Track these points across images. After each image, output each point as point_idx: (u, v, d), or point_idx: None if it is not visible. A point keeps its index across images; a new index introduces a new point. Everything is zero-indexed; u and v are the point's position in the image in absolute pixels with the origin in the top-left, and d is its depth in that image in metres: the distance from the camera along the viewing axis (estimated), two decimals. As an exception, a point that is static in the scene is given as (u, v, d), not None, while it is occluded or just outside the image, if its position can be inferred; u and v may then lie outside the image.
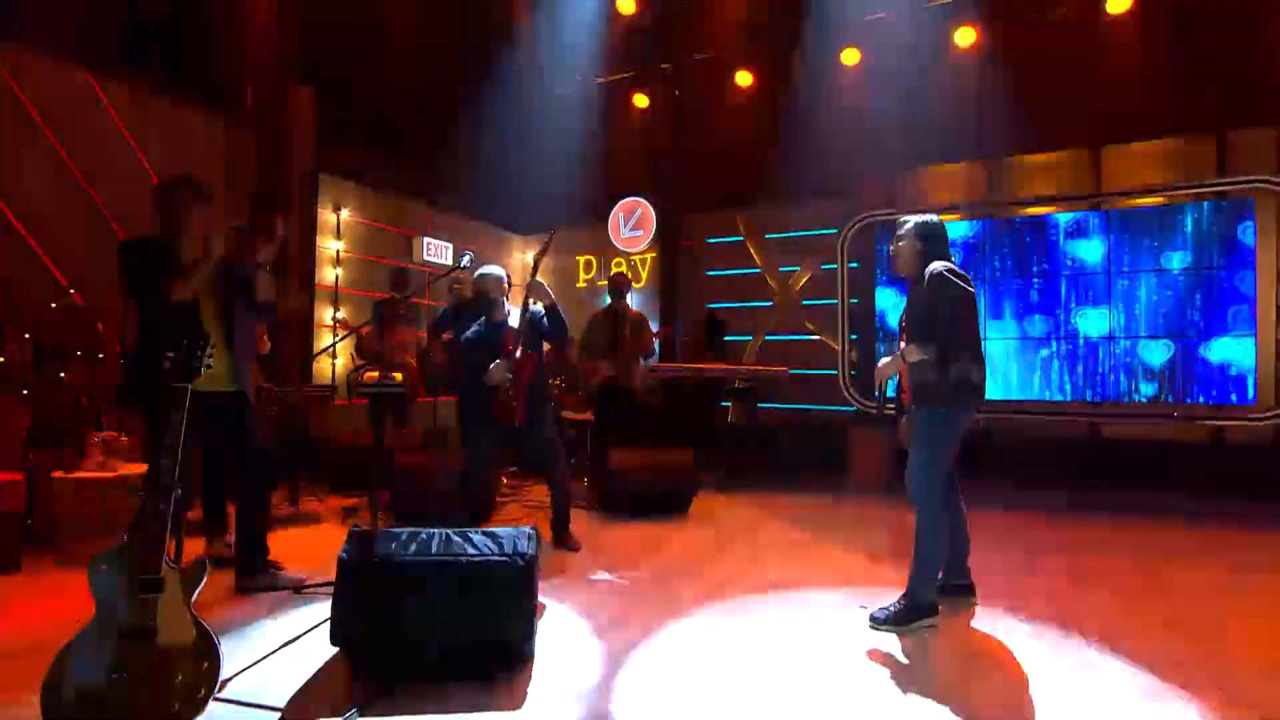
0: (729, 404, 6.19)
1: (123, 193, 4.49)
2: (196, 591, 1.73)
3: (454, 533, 2.29)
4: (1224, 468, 4.97)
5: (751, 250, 7.32)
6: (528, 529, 2.33)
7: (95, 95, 4.40)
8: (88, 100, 4.38)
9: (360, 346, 5.12)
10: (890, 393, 2.78)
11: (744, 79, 6.94)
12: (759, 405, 6.06)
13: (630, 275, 8.00)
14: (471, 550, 2.22)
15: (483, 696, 1.96)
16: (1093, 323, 5.45)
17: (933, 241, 2.61)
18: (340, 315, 6.11)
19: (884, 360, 2.61)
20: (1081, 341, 5.47)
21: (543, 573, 2.57)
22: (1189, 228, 5.19)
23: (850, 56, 6.39)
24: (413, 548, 2.21)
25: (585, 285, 8.37)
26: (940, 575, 2.59)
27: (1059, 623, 2.50)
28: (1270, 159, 5.14)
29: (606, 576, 3.04)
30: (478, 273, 3.61)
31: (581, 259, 8.49)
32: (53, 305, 3.91)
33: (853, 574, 3.09)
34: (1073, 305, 5.54)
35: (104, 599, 1.64)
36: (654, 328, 6.59)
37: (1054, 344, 5.57)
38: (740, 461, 5.80)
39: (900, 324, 2.68)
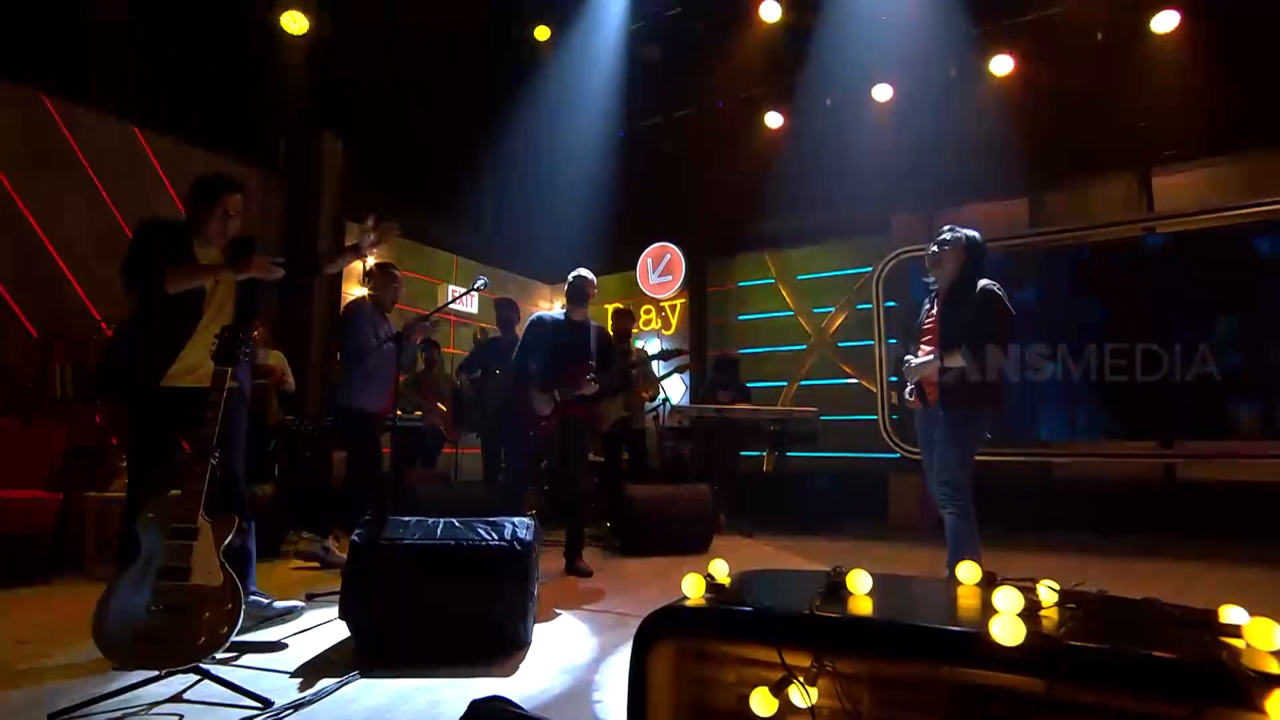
0: (763, 452, 6.46)
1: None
2: (226, 541, 2.14)
3: (459, 521, 2.66)
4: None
5: (783, 292, 7.74)
6: (527, 519, 2.68)
7: (139, 145, 5.27)
8: (131, 149, 5.23)
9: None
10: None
11: (773, 119, 7.57)
12: (788, 454, 6.27)
13: (657, 321, 8.50)
14: (472, 536, 2.58)
15: (476, 666, 2.27)
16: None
17: (979, 257, 2.96)
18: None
19: (919, 360, 2.92)
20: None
21: (550, 588, 2.87)
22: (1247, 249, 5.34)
23: (882, 92, 6.94)
24: (418, 533, 2.58)
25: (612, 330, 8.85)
26: None
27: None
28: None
29: (609, 596, 3.30)
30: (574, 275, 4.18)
31: (610, 307, 9.04)
32: (92, 338, 4.58)
33: None
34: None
35: (148, 543, 2.07)
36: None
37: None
38: (769, 506, 6.02)
39: (921, 326, 3.04)
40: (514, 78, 8.00)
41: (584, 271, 4.14)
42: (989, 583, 1.20)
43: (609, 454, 5.54)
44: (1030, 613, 0.99)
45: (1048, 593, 1.08)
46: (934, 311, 3.01)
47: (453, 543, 2.54)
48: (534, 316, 4.20)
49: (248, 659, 2.37)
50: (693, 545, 4.55)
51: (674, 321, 8.49)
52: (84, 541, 3.73)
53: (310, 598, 3.17)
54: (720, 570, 1.34)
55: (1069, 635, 0.93)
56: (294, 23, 5.77)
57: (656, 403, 5.87)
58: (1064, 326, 5.89)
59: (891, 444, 6.15)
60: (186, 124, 5.57)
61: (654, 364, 5.69)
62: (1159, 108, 6.00)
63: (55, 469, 3.91)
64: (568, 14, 7.69)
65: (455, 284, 7.95)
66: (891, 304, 6.58)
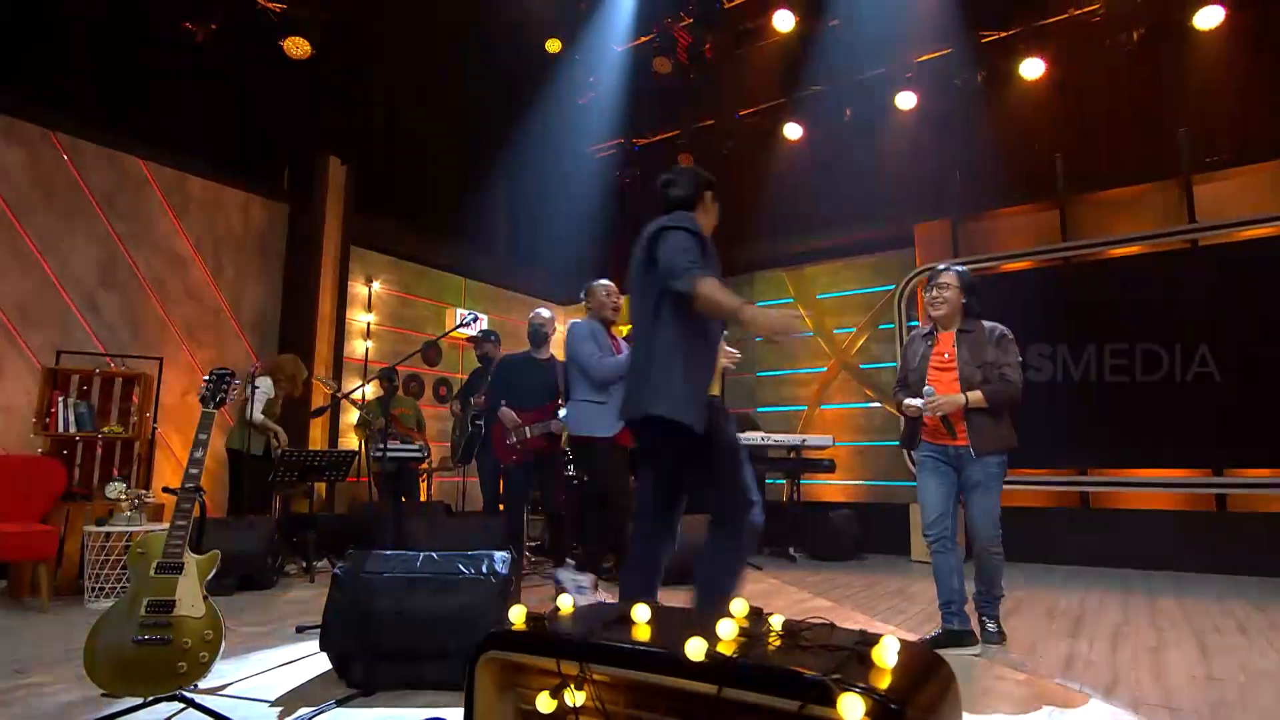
0: (781, 480, 6.60)
1: (161, 265, 5.72)
2: (209, 576, 2.39)
3: (439, 554, 2.88)
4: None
5: (802, 312, 7.88)
6: (507, 553, 2.88)
7: (143, 176, 5.69)
8: (136, 181, 5.65)
9: (361, 420, 5.94)
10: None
11: (792, 131, 7.77)
12: (800, 481, 6.40)
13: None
14: (450, 570, 2.79)
15: (451, 697, 2.47)
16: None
17: (973, 294, 3.25)
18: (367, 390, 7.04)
19: (945, 398, 3.08)
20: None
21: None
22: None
23: (905, 100, 7.09)
24: (399, 566, 2.80)
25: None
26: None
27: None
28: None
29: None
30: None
31: (625, 329, 9.26)
32: (96, 372, 4.96)
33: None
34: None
35: (137, 574, 2.32)
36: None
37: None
38: (787, 537, 6.13)
39: (919, 365, 3.25)
40: (524, 95, 8.36)
41: (543, 313, 4.62)
42: (755, 615, 1.53)
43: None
44: (726, 637, 1.41)
45: (776, 620, 1.53)
46: (937, 351, 3.22)
47: (430, 576, 2.76)
48: (502, 357, 4.73)
49: (232, 688, 2.61)
50: (689, 576, 4.68)
51: (689, 343, 8.66)
52: (82, 573, 4.04)
53: (300, 630, 3.41)
54: (565, 603, 1.75)
55: (737, 653, 1.34)
56: (296, 47, 6.16)
57: None
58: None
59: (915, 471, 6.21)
60: (190, 153, 6.00)
61: None
62: (1201, 110, 6.05)
63: (56, 502, 4.25)
64: (578, 28, 8.04)
65: (464, 308, 8.26)
66: (915, 324, 6.67)
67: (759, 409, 7.51)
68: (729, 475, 2.28)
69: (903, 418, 3.32)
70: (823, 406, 7.53)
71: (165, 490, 2.88)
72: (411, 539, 4.74)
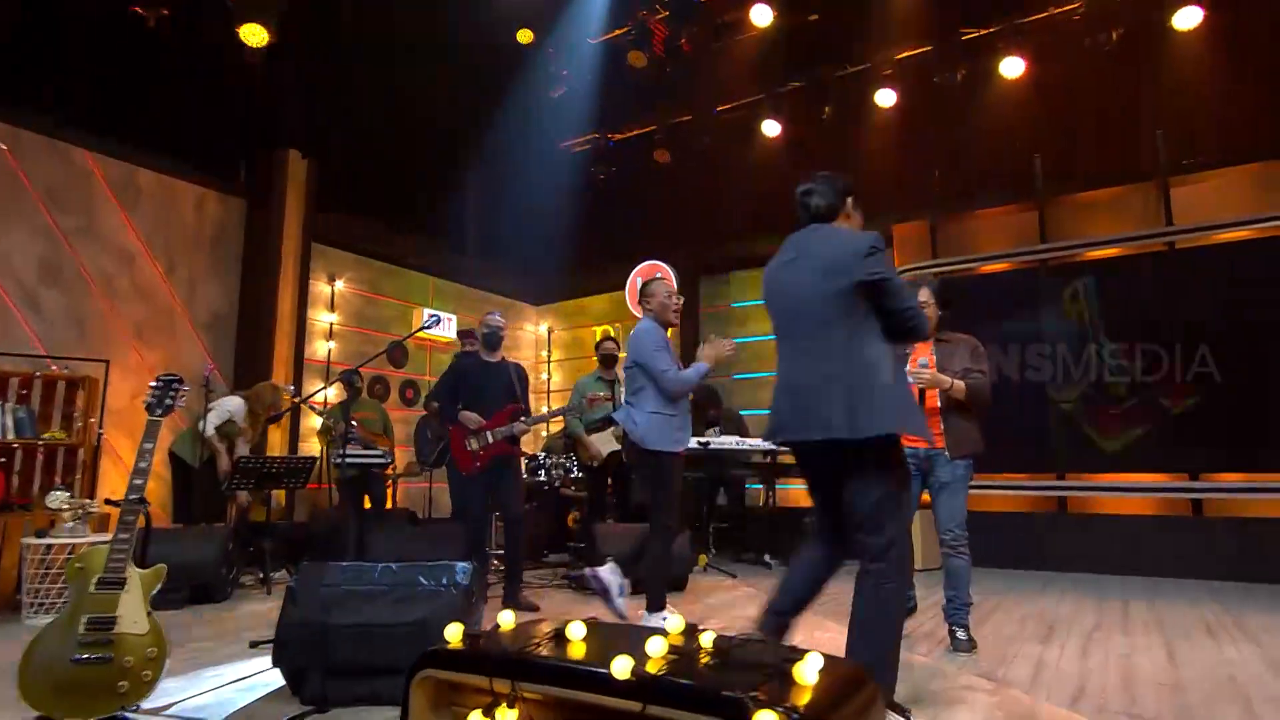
0: (758, 485, 6.65)
1: (108, 261, 5.61)
2: (154, 591, 2.35)
3: (400, 566, 2.87)
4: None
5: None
6: (468, 564, 2.88)
7: (88, 169, 5.58)
8: (80, 171, 5.54)
9: (324, 426, 5.88)
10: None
11: (770, 128, 7.83)
12: (776, 486, 6.45)
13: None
14: (409, 581, 2.78)
15: (408, 716, 2.45)
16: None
17: (947, 306, 3.43)
18: (330, 394, 6.97)
19: (931, 373, 3.21)
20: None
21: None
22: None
23: (885, 97, 7.17)
24: (355, 578, 2.79)
25: (602, 359, 9.06)
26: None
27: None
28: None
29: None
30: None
31: (597, 329, 9.29)
32: (37, 375, 4.85)
33: (825, 644, 3.39)
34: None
35: (77, 590, 2.28)
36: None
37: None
38: (766, 544, 6.18)
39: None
40: (494, 89, 8.33)
41: (498, 315, 4.57)
42: (689, 632, 1.58)
43: (593, 488, 5.77)
44: (655, 654, 1.47)
45: (707, 637, 1.58)
46: (916, 359, 3.32)
47: (389, 588, 2.74)
48: (453, 362, 4.67)
49: (178, 707, 2.57)
50: (667, 586, 4.70)
51: (665, 344, 8.68)
52: (19, 587, 3.95)
53: (254, 645, 3.37)
54: (505, 620, 1.82)
55: (663, 671, 1.40)
56: (254, 36, 6.06)
57: None
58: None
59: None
60: (140, 145, 5.89)
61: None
62: (1178, 111, 6.19)
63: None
64: (550, 19, 8.02)
65: (432, 308, 8.21)
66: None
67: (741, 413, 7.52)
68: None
69: None
70: (800, 410, 7.59)
71: (107, 502, 2.83)
72: (374, 548, 4.72)
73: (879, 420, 2.13)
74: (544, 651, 1.57)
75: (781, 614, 2.43)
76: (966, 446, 3.26)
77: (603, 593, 3.55)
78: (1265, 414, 5.34)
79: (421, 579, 2.82)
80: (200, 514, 5.05)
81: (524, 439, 4.67)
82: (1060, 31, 6.52)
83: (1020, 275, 6.48)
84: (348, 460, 4.71)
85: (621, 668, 1.38)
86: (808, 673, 1.36)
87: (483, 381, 4.48)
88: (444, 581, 2.80)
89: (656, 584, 3.62)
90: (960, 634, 3.26)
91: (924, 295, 3.34)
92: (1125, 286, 6.00)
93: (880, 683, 1.84)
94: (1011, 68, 6.60)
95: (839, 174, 2.53)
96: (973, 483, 5.96)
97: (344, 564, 2.87)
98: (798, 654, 1.45)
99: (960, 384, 3.22)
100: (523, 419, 4.46)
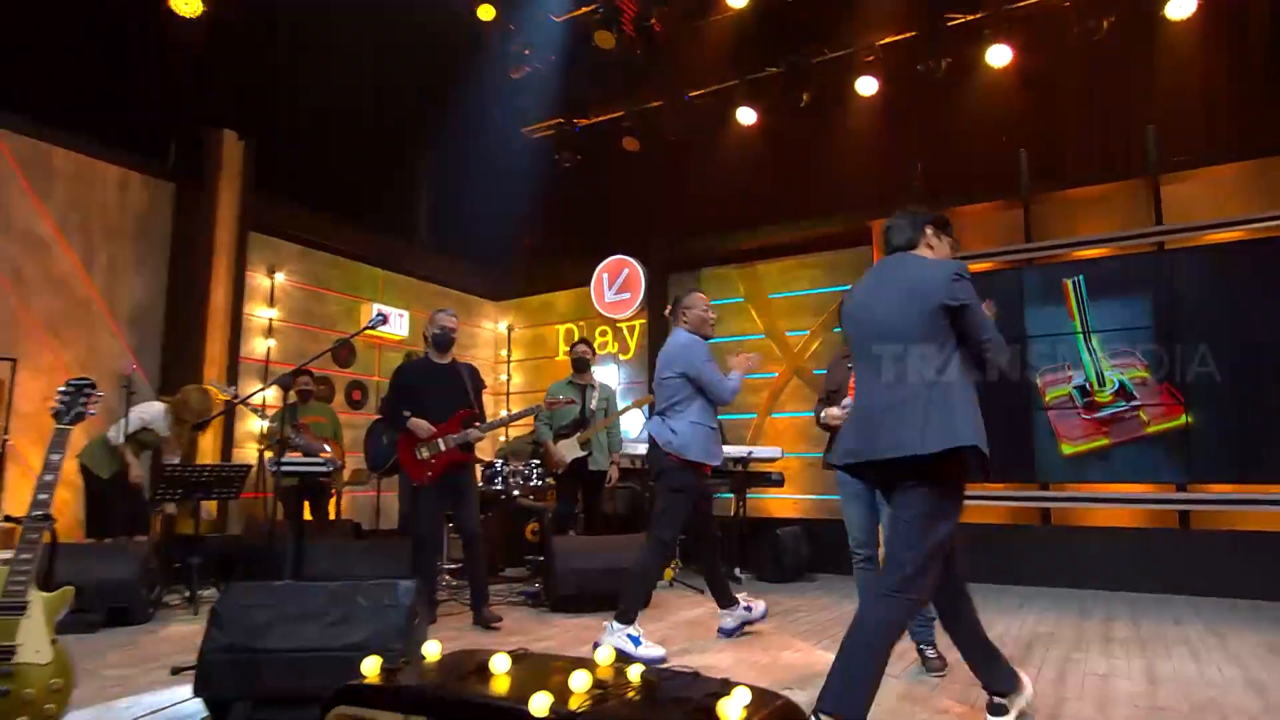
0: (728, 495, 6.67)
1: (17, 250, 5.43)
2: (59, 615, 2.27)
3: (338, 585, 2.81)
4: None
5: (753, 313, 7.98)
6: (411, 582, 2.83)
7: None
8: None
9: (270, 430, 5.77)
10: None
11: (745, 116, 7.85)
12: (746, 495, 6.48)
13: (614, 345, 8.70)
14: (347, 601, 2.72)
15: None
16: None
17: None
18: (269, 393, 6.83)
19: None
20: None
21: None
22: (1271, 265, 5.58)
23: (866, 85, 7.22)
24: (287, 598, 2.72)
25: (566, 359, 9.02)
26: None
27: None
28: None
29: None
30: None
31: (561, 328, 9.25)
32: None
33: (793, 665, 3.45)
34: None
35: (-31, 616, 2.19)
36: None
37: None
38: (725, 558, 6.18)
39: (845, 386, 3.44)
40: (451, 68, 8.24)
41: (446, 321, 4.48)
42: (620, 665, 1.62)
43: (561, 498, 5.77)
44: (579, 690, 1.50)
45: (634, 671, 1.63)
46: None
47: (324, 609, 2.69)
48: (401, 364, 4.67)
49: (87, 744, 2.49)
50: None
51: (632, 345, 8.68)
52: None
53: (176, 671, 3.27)
54: (431, 650, 1.85)
55: (583, 708, 1.44)
56: (186, 5, 5.91)
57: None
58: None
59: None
60: (55, 122, 5.70)
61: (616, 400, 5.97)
62: (1169, 106, 6.34)
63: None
64: (513, -1, 7.95)
65: (382, 303, 8.09)
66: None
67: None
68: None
69: (829, 433, 3.49)
70: (773, 415, 7.64)
71: (8, 519, 2.73)
72: (314, 564, 4.63)
73: (950, 435, 2.25)
74: (463, 687, 1.58)
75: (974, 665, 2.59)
76: None
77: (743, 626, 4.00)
78: (1258, 422, 5.49)
79: (361, 599, 2.77)
80: (121, 529, 4.90)
81: (479, 445, 4.62)
82: (1049, 19, 6.62)
83: (1004, 275, 6.59)
84: (285, 469, 4.62)
85: (540, 705, 1.41)
86: (732, 710, 1.40)
87: (432, 385, 4.42)
88: (386, 601, 2.75)
89: (634, 596, 3.70)
90: (929, 651, 3.29)
91: None
92: (1113, 287, 6.12)
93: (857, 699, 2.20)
94: (998, 56, 6.67)
95: (920, 209, 2.78)
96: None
97: (276, 583, 2.82)
98: (726, 689, 1.49)
99: None
100: (477, 424, 4.41)
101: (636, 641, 3.59)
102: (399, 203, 8.81)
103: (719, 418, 4.04)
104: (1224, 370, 5.59)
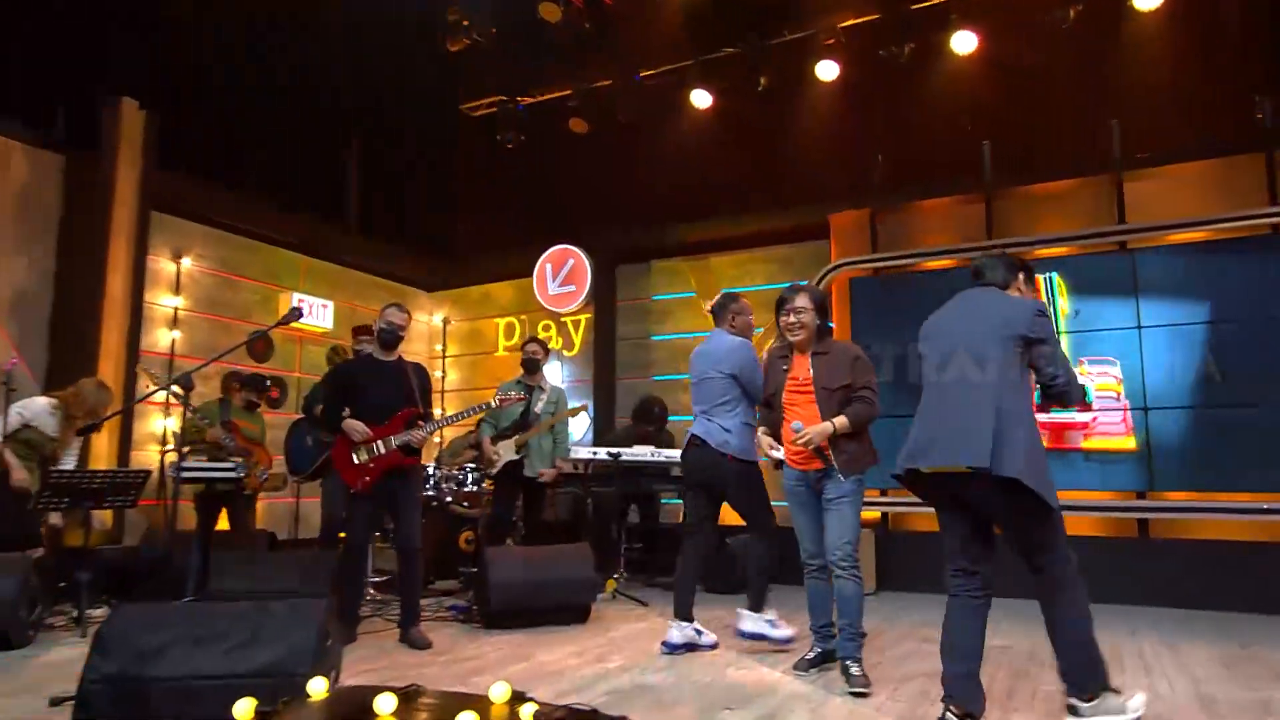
0: (676, 501, 6.70)
1: None
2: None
3: (242, 604, 2.75)
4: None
5: (704, 309, 8.01)
6: (323, 600, 2.78)
7: None
8: None
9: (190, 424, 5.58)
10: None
11: (700, 98, 7.87)
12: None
13: (557, 340, 8.67)
14: (252, 622, 2.66)
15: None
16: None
17: (825, 314, 3.74)
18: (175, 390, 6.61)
19: (814, 431, 3.48)
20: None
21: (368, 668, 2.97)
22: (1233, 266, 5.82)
23: (826, 70, 7.30)
24: (182, 619, 2.65)
25: (507, 354, 8.97)
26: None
27: None
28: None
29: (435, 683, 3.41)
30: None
31: (501, 321, 9.18)
32: None
33: (735, 685, 3.49)
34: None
35: None
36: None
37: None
38: (674, 569, 6.22)
39: (778, 387, 3.71)
40: (384, 38, 8.08)
41: (392, 317, 4.44)
42: (516, 700, 1.62)
43: (498, 503, 5.75)
44: None
45: (528, 709, 1.61)
46: (792, 375, 3.67)
47: (225, 631, 2.62)
48: (341, 362, 4.61)
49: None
50: (567, 617, 4.75)
51: (577, 340, 8.66)
52: None
53: (56, 701, 3.15)
54: (315, 689, 1.82)
55: None
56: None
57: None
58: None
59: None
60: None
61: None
62: (1135, 100, 6.55)
63: None
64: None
65: (303, 292, 7.92)
66: (830, 326, 6.90)
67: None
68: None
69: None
70: (726, 417, 7.70)
71: None
72: (223, 579, 4.51)
73: (1010, 465, 2.60)
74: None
75: (971, 675, 2.84)
76: (858, 464, 3.54)
77: (760, 638, 4.16)
78: (1216, 431, 5.73)
79: (268, 619, 2.72)
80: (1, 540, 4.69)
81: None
82: (1016, 5, 6.78)
83: (965, 273, 6.73)
84: (188, 474, 4.50)
85: None
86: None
87: (374, 384, 4.38)
88: (295, 622, 2.71)
89: (759, 588, 4.25)
90: (854, 669, 3.36)
91: (802, 301, 3.64)
92: (1077, 287, 6.32)
93: (1098, 667, 2.72)
94: (963, 43, 6.80)
95: (1015, 257, 3.26)
96: (902, 501, 6.22)
97: (172, 603, 2.75)
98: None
99: (842, 420, 3.47)
100: (420, 424, 4.35)
101: (773, 624, 4.16)
102: (324, 183, 8.63)
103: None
104: (1188, 377, 5.83)
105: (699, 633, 4.14)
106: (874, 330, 6.51)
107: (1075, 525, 6.16)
